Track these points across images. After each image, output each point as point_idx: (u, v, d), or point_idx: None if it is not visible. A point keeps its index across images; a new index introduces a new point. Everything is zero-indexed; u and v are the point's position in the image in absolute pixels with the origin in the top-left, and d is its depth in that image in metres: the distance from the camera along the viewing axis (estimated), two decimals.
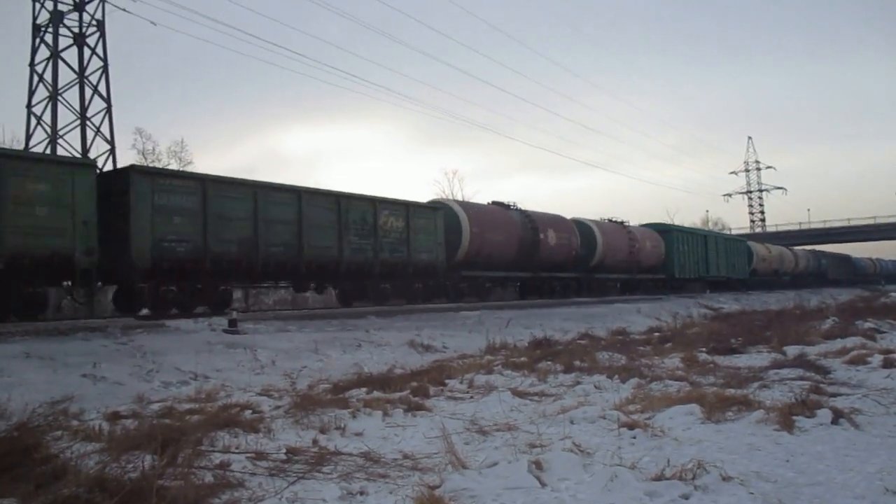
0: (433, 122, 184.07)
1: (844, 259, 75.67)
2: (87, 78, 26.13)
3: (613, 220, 33.74)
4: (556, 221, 28.51)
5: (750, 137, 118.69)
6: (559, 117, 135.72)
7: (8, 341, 9.86)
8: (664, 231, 37.03)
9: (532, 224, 26.30)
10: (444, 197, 42.28)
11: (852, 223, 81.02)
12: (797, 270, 57.40)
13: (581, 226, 30.43)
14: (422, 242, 21.19)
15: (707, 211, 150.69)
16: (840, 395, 6.76)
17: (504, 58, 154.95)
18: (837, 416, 5.57)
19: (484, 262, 24.24)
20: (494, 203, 26.76)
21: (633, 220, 36.72)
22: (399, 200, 21.33)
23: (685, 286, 38.21)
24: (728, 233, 47.47)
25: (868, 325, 14.64)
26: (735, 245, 46.96)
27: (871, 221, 79.40)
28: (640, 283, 34.93)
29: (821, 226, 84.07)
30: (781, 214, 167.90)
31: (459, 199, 40.15)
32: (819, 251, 67.45)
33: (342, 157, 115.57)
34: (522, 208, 27.07)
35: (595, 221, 31.68)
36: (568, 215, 30.76)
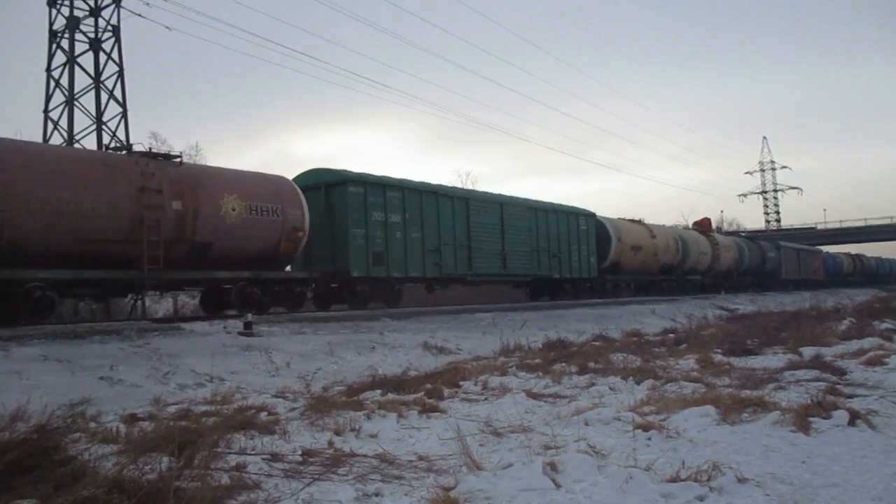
0: (446, 123, 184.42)
1: (810, 254, 57.79)
2: (102, 83, 26.33)
3: (122, 148, 15.99)
4: None
5: (765, 137, 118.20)
6: (573, 119, 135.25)
7: (26, 344, 9.95)
8: (323, 184, 18.25)
9: None
10: None
11: (869, 223, 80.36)
12: (719, 268, 39.35)
13: None
14: None
15: (722, 211, 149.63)
16: (857, 396, 6.71)
17: (517, 59, 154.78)
18: (854, 417, 5.53)
19: None
20: None
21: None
22: None
23: (397, 297, 19.68)
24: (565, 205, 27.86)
25: (886, 325, 14.52)
26: (567, 222, 26.47)
27: (889, 221, 78.69)
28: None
29: (837, 226, 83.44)
30: (797, 215, 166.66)
31: None
32: (768, 242, 51.77)
33: (354, 159, 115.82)
34: None
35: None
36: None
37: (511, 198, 24.74)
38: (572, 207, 28.10)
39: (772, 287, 45.99)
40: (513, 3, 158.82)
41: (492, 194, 24.03)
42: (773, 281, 47.58)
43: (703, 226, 42.50)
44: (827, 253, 63.94)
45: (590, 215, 28.92)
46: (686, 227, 47.00)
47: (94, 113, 26.08)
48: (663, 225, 37.17)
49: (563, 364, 9.65)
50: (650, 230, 32.84)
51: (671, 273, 34.94)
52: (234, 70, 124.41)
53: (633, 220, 33.56)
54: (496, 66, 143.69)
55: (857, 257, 72.63)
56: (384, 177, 19.82)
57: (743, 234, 55.74)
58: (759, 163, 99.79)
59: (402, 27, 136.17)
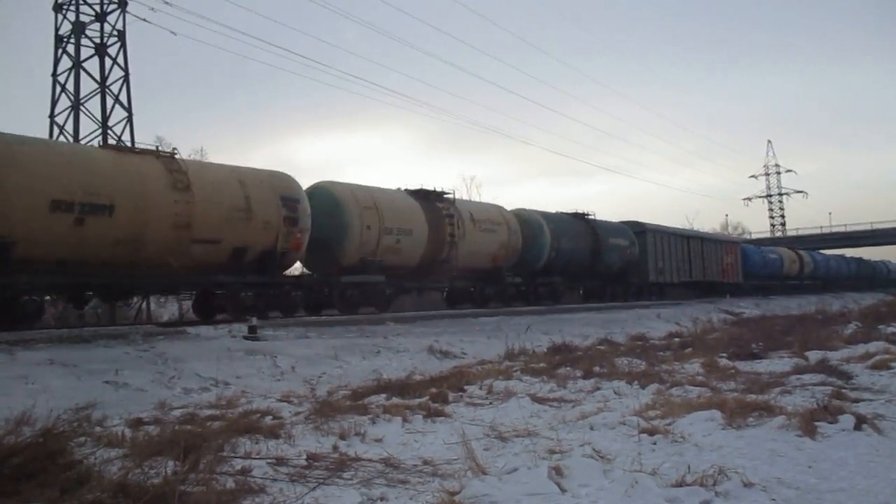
0: (450, 127, 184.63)
1: (715, 246, 38.91)
2: (108, 87, 26.46)
3: None
4: None
5: (769, 141, 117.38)
6: (577, 122, 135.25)
7: (32, 348, 9.98)
8: None
9: None
10: None
11: (875, 226, 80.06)
12: (458, 261, 21.45)
13: None
14: None
15: (727, 215, 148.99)
16: (863, 400, 6.70)
17: (520, 63, 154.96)
18: (860, 421, 5.52)
19: None
20: None
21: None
22: None
23: None
24: None
25: (892, 329, 14.47)
26: None
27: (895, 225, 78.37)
28: None
29: (842, 229, 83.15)
30: (803, 218, 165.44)
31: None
32: (624, 224, 31.84)
33: (356, 163, 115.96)
34: None
35: None
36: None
37: None
38: None
39: (619, 295, 30.24)
40: (516, 6, 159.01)
41: None
42: (624, 286, 30.93)
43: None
44: (753, 247, 47.77)
45: None
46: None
47: (99, 117, 26.20)
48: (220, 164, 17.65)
49: (568, 368, 9.63)
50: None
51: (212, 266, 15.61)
52: (238, 74, 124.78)
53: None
54: (500, 70, 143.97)
55: (810, 254, 54.86)
56: None
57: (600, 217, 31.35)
58: (764, 166, 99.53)
59: (405, 31, 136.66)
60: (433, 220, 20.92)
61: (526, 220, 25.05)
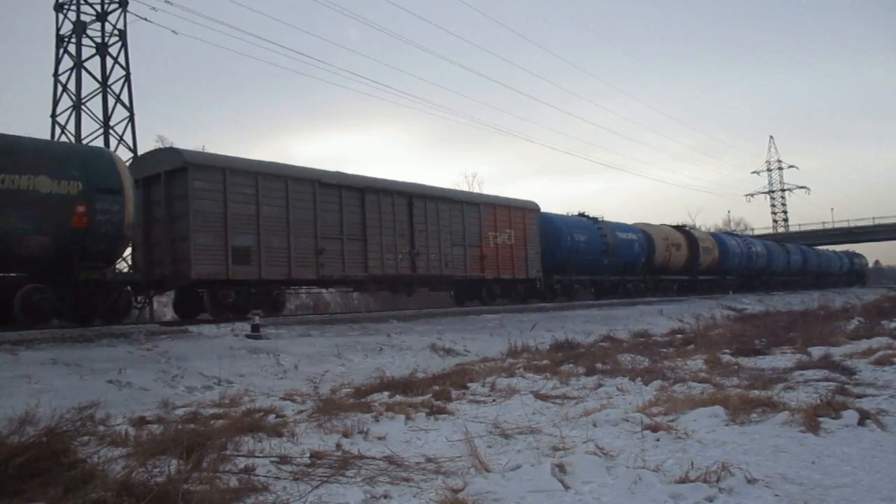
0: (452, 125, 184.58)
1: (476, 215, 21.74)
2: (109, 87, 26.44)
3: None
4: None
5: (771, 137, 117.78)
6: (578, 120, 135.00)
7: (35, 348, 9.99)
8: None
9: None
10: None
11: (877, 222, 79.84)
12: None
13: None
14: None
15: (729, 211, 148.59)
16: (866, 395, 6.68)
17: (522, 61, 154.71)
18: (864, 417, 5.51)
19: None
20: None
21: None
22: None
23: None
24: None
25: (895, 325, 14.45)
26: None
27: None
28: None
29: (845, 225, 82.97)
30: (805, 214, 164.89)
31: None
32: (27, 139, 12.40)
33: (359, 161, 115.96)
34: None
35: None
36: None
37: None
38: None
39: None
40: (518, 4, 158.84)
41: None
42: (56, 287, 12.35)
43: None
44: (575, 218, 28.06)
45: None
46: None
47: (101, 117, 26.20)
48: None
49: (571, 365, 9.63)
50: None
51: None
52: (239, 72, 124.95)
53: None
54: (501, 68, 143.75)
55: (716, 237, 38.78)
56: None
57: None
58: (766, 162, 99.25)
59: (407, 29, 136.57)
60: None
61: None
